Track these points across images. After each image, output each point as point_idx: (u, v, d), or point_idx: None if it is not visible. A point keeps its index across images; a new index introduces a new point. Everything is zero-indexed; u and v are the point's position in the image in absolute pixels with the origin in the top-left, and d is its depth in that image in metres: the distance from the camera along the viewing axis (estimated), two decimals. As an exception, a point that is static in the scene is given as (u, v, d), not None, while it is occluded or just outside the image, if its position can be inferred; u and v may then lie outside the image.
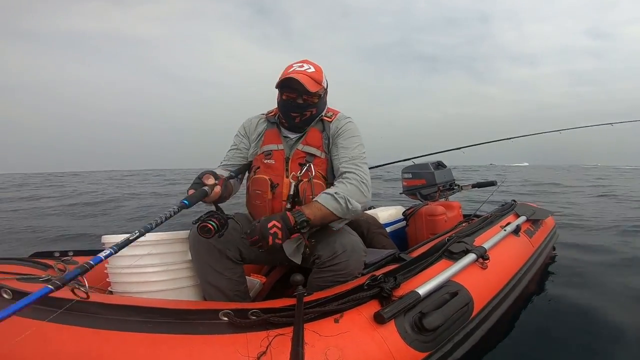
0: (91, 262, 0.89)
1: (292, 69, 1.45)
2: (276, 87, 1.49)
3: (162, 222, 1.10)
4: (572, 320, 1.78)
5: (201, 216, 1.29)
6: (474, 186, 3.37)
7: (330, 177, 1.49)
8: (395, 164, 3.55)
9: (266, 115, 1.64)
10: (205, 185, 1.27)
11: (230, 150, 1.63)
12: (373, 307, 1.15)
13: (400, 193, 3.42)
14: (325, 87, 1.53)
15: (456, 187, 3.27)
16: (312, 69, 1.46)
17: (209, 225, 1.26)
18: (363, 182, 1.39)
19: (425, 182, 3.15)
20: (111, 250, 0.96)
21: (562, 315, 1.86)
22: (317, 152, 1.49)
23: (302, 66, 1.46)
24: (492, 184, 3.34)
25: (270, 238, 1.21)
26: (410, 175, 3.26)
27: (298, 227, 1.26)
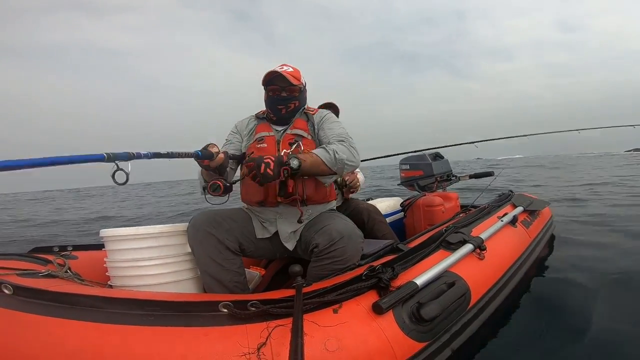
0: (134, 153, 1.11)
1: (274, 69, 1.63)
2: (262, 84, 1.67)
3: (174, 156, 1.27)
4: (569, 311, 1.80)
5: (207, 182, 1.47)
6: (471, 177, 3.39)
7: None
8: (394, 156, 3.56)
9: (255, 114, 1.81)
10: (211, 151, 1.41)
11: (224, 145, 1.74)
12: (371, 297, 1.16)
13: (398, 184, 3.43)
14: (304, 84, 1.73)
15: (453, 178, 3.28)
16: (291, 69, 1.67)
17: (219, 182, 1.44)
18: (352, 147, 1.54)
19: (423, 173, 3.16)
20: (148, 152, 1.17)
21: (559, 305, 1.87)
22: (304, 134, 1.66)
23: (282, 67, 1.66)
24: (489, 174, 3.36)
25: (263, 166, 1.33)
26: (407, 167, 3.27)
27: (288, 161, 1.38)
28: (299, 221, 1.57)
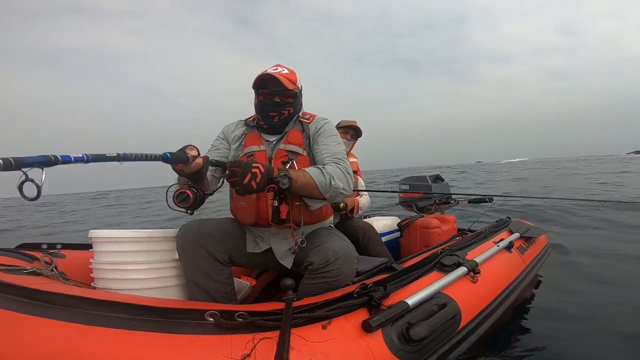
0: (59, 157, 0.81)
1: (267, 71, 1.48)
2: (253, 87, 1.51)
3: (137, 159, 1.01)
4: (558, 339, 1.78)
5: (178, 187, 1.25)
6: (470, 202, 3.39)
7: None
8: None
9: (244, 120, 1.65)
10: (186, 154, 1.19)
11: (209, 150, 1.60)
12: (362, 315, 1.14)
13: (397, 204, 3.43)
14: (300, 88, 1.56)
15: (452, 202, 3.29)
16: (286, 71, 1.50)
17: (188, 192, 1.22)
18: (348, 173, 1.42)
19: (422, 194, 3.16)
20: (84, 156, 0.86)
21: (549, 332, 1.85)
22: (299, 150, 1.50)
23: (277, 69, 1.50)
24: (487, 200, 3.36)
25: (249, 176, 1.18)
26: (407, 187, 3.27)
27: (278, 180, 1.24)
28: (293, 252, 1.46)
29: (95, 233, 1.46)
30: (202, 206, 1.35)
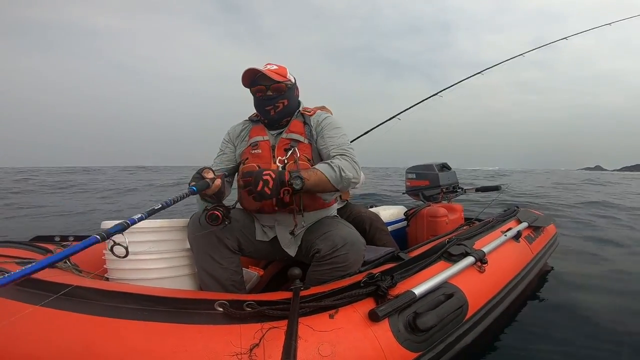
0: (128, 221, 0.99)
1: (254, 67, 1.53)
2: (245, 85, 1.58)
3: (169, 205, 1.14)
4: (565, 329, 1.78)
5: (207, 207, 1.38)
6: (477, 190, 3.37)
7: (315, 160, 1.54)
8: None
9: (249, 117, 1.73)
10: (206, 178, 1.33)
11: (218, 156, 1.68)
12: (368, 304, 1.15)
13: (403, 193, 3.42)
14: (293, 81, 1.63)
15: (459, 190, 3.27)
16: (275, 67, 1.57)
17: (217, 213, 1.35)
18: (355, 162, 1.48)
19: (429, 183, 3.15)
20: (142, 215, 1.04)
21: (556, 322, 1.85)
22: (301, 138, 1.56)
23: (266, 66, 1.56)
24: (496, 188, 3.33)
25: (261, 183, 1.26)
26: (414, 176, 3.26)
27: (291, 181, 1.31)
28: (291, 233, 1.53)
29: (107, 224, 1.48)
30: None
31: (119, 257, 0.98)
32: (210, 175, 1.35)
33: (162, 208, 1.11)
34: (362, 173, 2.55)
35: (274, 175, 1.29)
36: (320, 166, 1.41)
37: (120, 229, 0.96)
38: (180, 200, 1.20)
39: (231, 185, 1.66)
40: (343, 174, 1.40)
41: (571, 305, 2.04)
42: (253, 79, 1.55)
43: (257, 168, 1.41)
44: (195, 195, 1.30)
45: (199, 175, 1.34)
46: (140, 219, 1.03)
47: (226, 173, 1.57)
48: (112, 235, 0.94)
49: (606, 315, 1.91)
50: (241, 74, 1.54)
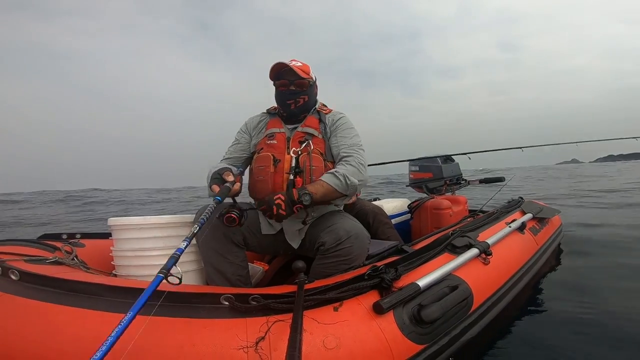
0: (177, 252, 1.08)
1: (282, 62, 1.59)
2: (270, 78, 1.64)
3: (204, 224, 1.23)
4: (571, 321, 1.76)
5: (223, 210, 1.40)
6: (481, 181, 3.35)
7: (328, 155, 1.59)
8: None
9: (267, 110, 1.78)
10: (227, 181, 1.40)
11: (232, 145, 1.73)
12: (373, 297, 1.16)
13: (407, 185, 3.41)
14: (314, 79, 1.69)
15: (463, 182, 3.26)
16: (300, 64, 1.63)
17: (234, 215, 1.38)
18: (361, 164, 1.53)
19: (432, 175, 3.14)
20: (186, 241, 1.13)
21: (562, 314, 1.84)
22: (315, 132, 1.62)
23: (291, 62, 1.61)
24: (500, 179, 3.32)
25: (275, 208, 1.37)
26: (417, 168, 3.25)
27: (300, 199, 1.38)
28: (304, 222, 1.57)
29: (114, 221, 1.50)
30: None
31: (173, 284, 1.03)
32: (231, 178, 1.42)
33: (200, 229, 1.20)
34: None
35: (284, 198, 1.38)
36: (326, 177, 1.46)
37: (174, 262, 1.04)
38: (213, 215, 1.30)
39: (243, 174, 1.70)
40: (348, 181, 1.44)
41: (579, 297, 2.03)
42: (279, 72, 1.60)
43: (271, 157, 1.52)
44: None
45: (219, 176, 1.42)
46: (186, 247, 1.13)
47: (242, 170, 1.63)
48: (167, 269, 1.01)
49: (615, 307, 1.90)
50: (270, 67, 1.60)
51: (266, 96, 1.78)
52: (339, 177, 1.44)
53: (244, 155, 1.70)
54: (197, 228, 1.19)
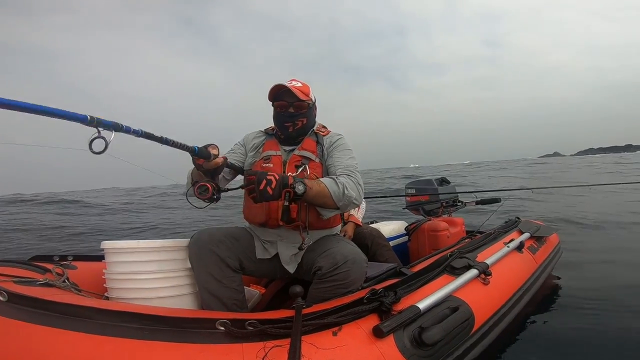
0: (123, 125, 0.97)
1: (281, 83, 1.56)
2: (269, 99, 1.61)
3: (166, 142, 1.16)
4: (572, 339, 1.75)
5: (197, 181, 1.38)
6: (477, 203, 3.36)
7: None
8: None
9: (265, 130, 1.75)
10: (210, 153, 1.33)
11: (227, 152, 1.70)
12: (372, 321, 1.13)
13: (404, 208, 3.41)
14: (313, 101, 1.66)
15: (459, 204, 3.26)
16: (300, 84, 1.60)
17: (207, 185, 1.35)
18: (359, 184, 1.47)
19: (429, 197, 3.14)
20: (140, 130, 1.04)
21: (563, 333, 1.82)
22: (312, 156, 1.59)
23: (291, 82, 1.58)
24: (496, 200, 3.33)
25: (264, 182, 1.26)
26: (413, 191, 3.26)
27: (294, 185, 1.31)
28: (300, 248, 1.52)
29: (107, 244, 1.47)
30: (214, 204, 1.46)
31: (95, 152, 0.91)
32: (216, 151, 1.35)
33: (160, 140, 1.13)
34: (363, 202, 2.55)
35: (277, 177, 1.29)
36: (325, 180, 1.41)
37: (112, 125, 0.93)
38: (179, 147, 1.21)
39: (227, 183, 1.67)
40: (346, 191, 1.39)
41: (579, 315, 2.01)
42: (278, 93, 1.58)
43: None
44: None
45: (205, 147, 1.34)
46: (135, 132, 1.03)
47: (230, 163, 1.54)
48: (101, 126, 0.91)
49: (617, 323, 1.88)
50: (269, 89, 1.58)
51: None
52: (339, 184, 1.40)
53: (237, 164, 1.66)
54: (159, 137, 1.14)
